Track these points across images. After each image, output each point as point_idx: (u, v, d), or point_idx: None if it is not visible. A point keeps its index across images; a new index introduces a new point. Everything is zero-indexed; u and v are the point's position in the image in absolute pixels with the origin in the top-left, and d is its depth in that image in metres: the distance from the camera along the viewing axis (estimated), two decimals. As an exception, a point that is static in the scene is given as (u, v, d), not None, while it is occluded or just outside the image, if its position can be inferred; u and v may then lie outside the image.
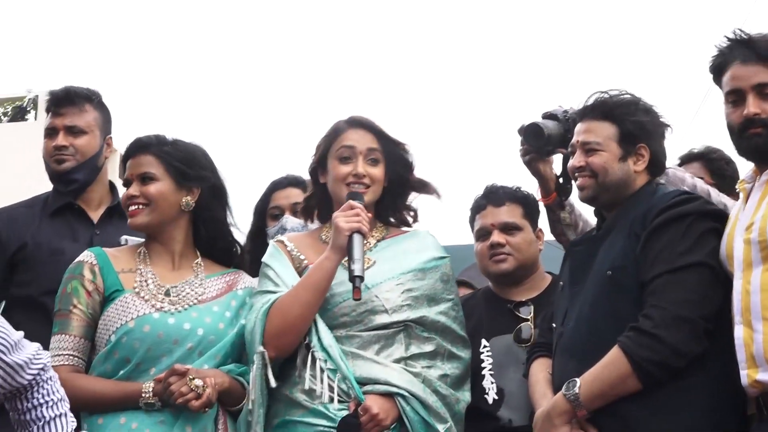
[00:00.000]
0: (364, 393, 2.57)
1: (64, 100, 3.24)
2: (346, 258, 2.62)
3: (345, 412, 2.54)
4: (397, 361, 2.63)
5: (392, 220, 2.90)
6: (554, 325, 2.73)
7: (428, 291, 2.74)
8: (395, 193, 2.86)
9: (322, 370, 2.57)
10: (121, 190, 3.02)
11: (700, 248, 2.49)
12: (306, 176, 3.01)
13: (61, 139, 3.19)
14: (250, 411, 2.56)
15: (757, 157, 2.49)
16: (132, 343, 2.54)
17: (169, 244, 2.73)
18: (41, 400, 2.28)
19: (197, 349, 2.58)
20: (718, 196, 2.88)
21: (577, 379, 2.47)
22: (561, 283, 2.78)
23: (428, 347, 2.68)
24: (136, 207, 2.68)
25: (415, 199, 2.92)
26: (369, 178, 2.77)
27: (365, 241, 2.69)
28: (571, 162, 2.72)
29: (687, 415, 2.42)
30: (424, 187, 2.90)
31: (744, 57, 2.45)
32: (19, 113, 17.00)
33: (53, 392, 2.31)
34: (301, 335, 2.62)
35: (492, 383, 2.90)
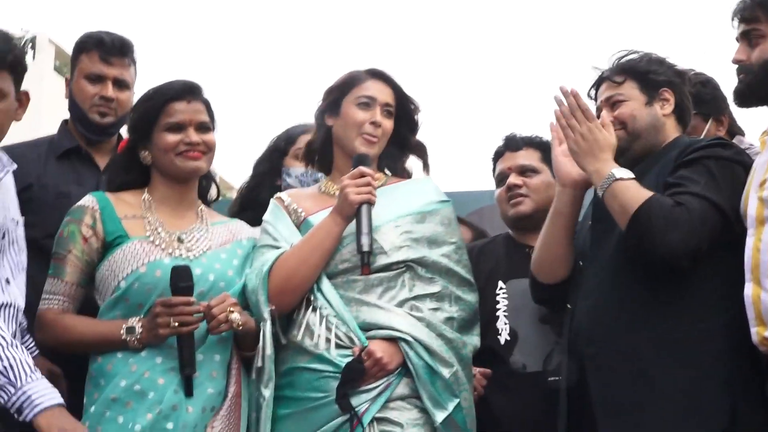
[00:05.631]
0: (368, 338, 2.56)
1: (116, 51, 3.19)
2: None
3: (350, 358, 2.54)
4: (402, 303, 2.62)
5: (388, 173, 2.89)
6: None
7: (428, 234, 2.72)
8: (395, 149, 2.86)
9: (322, 317, 2.58)
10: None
11: (718, 191, 2.44)
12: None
13: (110, 91, 3.16)
14: (261, 368, 2.57)
15: (736, 101, 2.52)
16: (144, 289, 2.55)
17: (188, 192, 2.74)
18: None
19: (208, 295, 2.57)
20: None
21: (618, 176, 2.47)
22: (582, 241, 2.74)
23: (433, 288, 2.66)
24: (197, 153, 2.66)
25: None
26: (382, 130, 2.77)
27: None
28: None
29: (699, 359, 2.39)
30: (419, 151, 2.89)
31: None
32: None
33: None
34: (303, 295, 2.63)
35: (505, 324, 2.90)
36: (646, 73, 2.69)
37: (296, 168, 3.29)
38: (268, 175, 3.33)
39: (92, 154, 3.22)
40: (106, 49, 3.19)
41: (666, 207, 2.39)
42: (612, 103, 2.70)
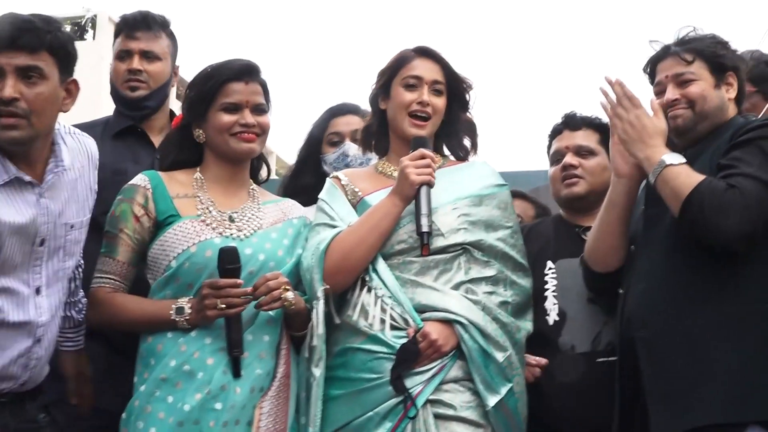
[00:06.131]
0: (423, 320, 2.55)
1: (141, 24, 3.22)
2: None
3: (404, 340, 2.53)
4: (458, 285, 2.61)
5: (446, 152, 2.87)
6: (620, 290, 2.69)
7: (485, 217, 2.70)
8: (451, 128, 2.83)
9: (377, 297, 2.57)
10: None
11: None
12: (364, 106, 2.98)
13: (136, 63, 3.18)
14: (313, 347, 2.55)
15: None
16: (194, 269, 2.53)
17: (241, 172, 2.71)
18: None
19: (258, 274, 2.55)
20: None
21: (668, 162, 2.46)
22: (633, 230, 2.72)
23: (489, 272, 2.65)
24: (252, 134, 2.64)
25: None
26: (432, 108, 2.74)
27: None
28: (665, 97, 2.65)
29: (752, 340, 2.37)
30: (469, 131, 2.86)
31: None
32: (78, 32, 17.08)
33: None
34: (359, 275, 2.62)
35: (554, 304, 2.88)
36: (715, 56, 2.65)
37: (329, 155, 3.31)
38: (306, 163, 3.37)
39: (147, 132, 3.23)
40: (130, 25, 3.23)
41: (718, 191, 2.36)
42: (681, 81, 2.65)
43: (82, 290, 2.70)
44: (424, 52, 2.80)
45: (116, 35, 3.30)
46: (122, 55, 3.22)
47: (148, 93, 3.21)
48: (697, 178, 2.41)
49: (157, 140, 3.19)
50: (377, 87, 2.83)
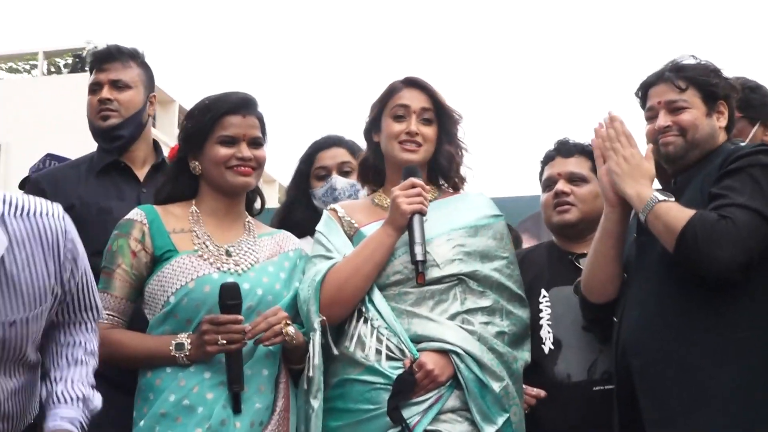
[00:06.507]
0: (419, 351, 2.56)
1: (108, 57, 3.26)
2: None
3: (401, 370, 2.54)
4: (454, 316, 2.62)
5: (442, 183, 2.89)
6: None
7: (481, 248, 2.72)
8: (445, 156, 2.84)
9: (373, 328, 2.59)
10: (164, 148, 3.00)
11: (763, 199, 2.43)
12: (347, 137, 3.06)
13: (105, 93, 3.20)
14: (311, 378, 2.56)
15: None
16: (193, 305, 2.53)
17: (236, 205, 2.72)
18: (82, 341, 2.27)
19: (256, 309, 2.56)
20: None
21: (660, 198, 2.49)
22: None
23: (485, 302, 2.67)
24: (248, 168, 2.65)
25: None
26: (421, 137, 2.76)
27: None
28: (656, 124, 2.69)
29: (747, 366, 2.39)
30: (448, 160, 2.84)
31: None
32: (79, 64, 17.18)
33: (93, 342, 2.30)
34: (355, 306, 2.63)
35: (549, 333, 2.88)
36: (708, 84, 2.68)
37: (318, 189, 3.35)
38: (296, 199, 3.41)
39: (130, 165, 3.24)
40: (99, 59, 3.28)
41: (711, 223, 2.38)
42: (673, 108, 2.68)
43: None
44: (411, 82, 2.83)
45: (90, 72, 3.34)
46: (94, 88, 3.25)
47: (120, 121, 3.20)
48: (688, 212, 2.43)
49: (141, 173, 3.22)
50: (369, 120, 2.87)
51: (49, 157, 3.81)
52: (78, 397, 2.23)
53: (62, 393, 2.22)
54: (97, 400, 2.28)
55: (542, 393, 2.81)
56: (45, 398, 2.22)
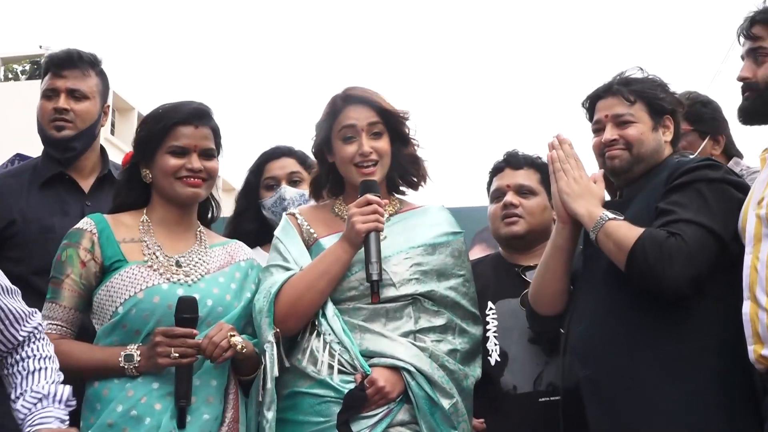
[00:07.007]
0: (371, 366, 2.57)
1: (68, 63, 3.15)
2: None
3: (352, 385, 2.55)
4: (406, 334, 2.63)
5: (402, 188, 2.86)
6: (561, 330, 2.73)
7: (438, 266, 2.72)
8: (398, 164, 2.81)
9: (325, 343, 2.58)
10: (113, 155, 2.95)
11: (710, 214, 2.47)
12: (297, 147, 3.07)
13: (62, 102, 3.12)
14: (266, 390, 2.55)
15: (740, 119, 2.57)
16: (141, 315, 2.51)
17: (188, 215, 2.70)
18: (30, 354, 2.31)
19: (206, 320, 2.55)
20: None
21: (610, 216, 2.52)
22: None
23: (438, 321, 2.67)
24: (198, 180, 2.63)
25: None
26: (376, 154, 2.73)
27: None
28: (602, 137, 2.72)
29: (696, 378, 2.42)
30: (413, 165, 2.83)
31: None
32: (37, 71, 16.94)
33: (42, 349, 2.33)
34: (309, 320, 2.63)
35: (495, 344, 2.91)
36: (656, 99, 2.72)
37: (267, 200, 3.35)
38: (246, 210, 3.40)
39: (75, 178, 3.16)
40: (57, 63, 3.17)
41: (660, 241, 2.42)
42: (620, 122, 2.71)
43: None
44: (352, 98, 2.76)
45: (44, 74, 3.21)
46: (49, 94, 3.14)
47: (74, 134, 3.13)
48: (638, 230, 2.46)
49: (86, 183, 3.16)
50: (319, 141, 2.81)
51: (18, 157, 3.68)
52: (38, 399, 2.27)
53: (22, 406, 2.27)
54: (65, 392, 2.31)
55: (483, 426, 2.86)
56: (19, 421, 2.26)
